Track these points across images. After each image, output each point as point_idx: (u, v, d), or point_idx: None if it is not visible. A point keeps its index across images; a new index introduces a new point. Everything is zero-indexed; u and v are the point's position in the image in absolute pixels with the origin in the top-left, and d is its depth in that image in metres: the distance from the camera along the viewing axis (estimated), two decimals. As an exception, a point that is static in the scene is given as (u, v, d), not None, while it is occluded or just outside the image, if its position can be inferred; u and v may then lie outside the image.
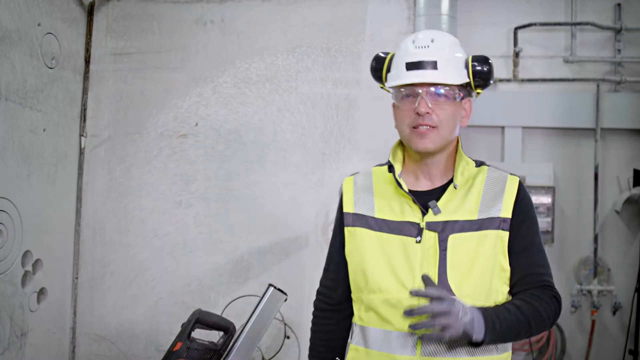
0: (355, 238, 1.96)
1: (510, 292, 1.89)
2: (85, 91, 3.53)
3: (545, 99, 5.47)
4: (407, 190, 1.89)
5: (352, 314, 2.02)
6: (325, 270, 2.14)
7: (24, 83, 3.00)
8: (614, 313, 5.27)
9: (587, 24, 5.46)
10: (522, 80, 5.53)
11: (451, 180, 1.91)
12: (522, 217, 1.89)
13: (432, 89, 1.83)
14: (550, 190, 5.12)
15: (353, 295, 2.00)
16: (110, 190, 3.51)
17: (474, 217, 1.86)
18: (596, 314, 5.23)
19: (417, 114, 1.82)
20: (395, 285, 1.84)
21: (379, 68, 1.97)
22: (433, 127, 1.83)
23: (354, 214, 1.99)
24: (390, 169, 1.96)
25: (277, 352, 3.25)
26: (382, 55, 1.99)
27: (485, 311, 1.73)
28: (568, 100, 5.44)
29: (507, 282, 1.88)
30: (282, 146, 3.33)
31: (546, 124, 5.47)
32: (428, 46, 1.86)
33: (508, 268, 1.87)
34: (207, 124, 3.42)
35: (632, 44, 5.48)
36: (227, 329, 2.51)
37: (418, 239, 1.85)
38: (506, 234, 1.86)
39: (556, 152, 5.47)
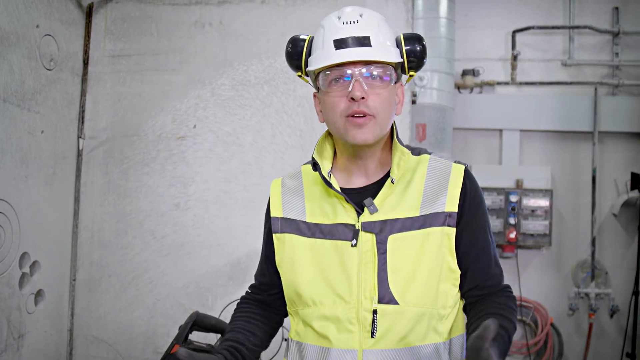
0: (285, 246, 1.74)
1: (463, 296, 1.72)
2: (83, 93, 3.53)
3: (543, 102, 5.47)
4: (338, 189, 1.67)
5: (281, 317, 1.92)
6: (257, 274, 1.94)
7: (22, 85, 3.00)
8: (611, 316, 5.27)
9: (585, 27, 5.47)
10: (520, 84, 5.54)
11: (388, 174, 1.68)
12: (471, 210, 1.67)
13: (366, 69, 1.58)
14: (548, 193, 5.12)
15: (288, 309, 1.81)
16: (108, 192, 3.51)
17: (416, 213, 1.64)
18: (594, 316, 5.23)
19: (352, 99, 1.57)
20: (331, 297, 1.64)
21: (298, 52, 1.70)
22: (370, 115, 1.59)
23: (283, 219, 1.77)
24: (315, 167, 1.75)
25: (275, 355, 3.25)
26: (297, 38, 1.71)
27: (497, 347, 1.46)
28: (566, 104, 5.45)
29: (456, 283, 1.68)
30: (280, 148, 3.32)
31: (544, 127, 5.48)
32: (357, 21, 1.61)
33: (457, 268, 1.67)
34: (205, 126, 3.42)
35: (630, 47, 5.48)
36: (224, 331, 2.50)
37: (353, 242, 1.63)
38: (452, 230, 1.64)
39: (554, 155, 5.47)
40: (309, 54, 1.69)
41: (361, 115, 1.59)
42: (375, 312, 1.60)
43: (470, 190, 1.68)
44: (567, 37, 5.53)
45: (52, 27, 3.22)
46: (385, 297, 1.60)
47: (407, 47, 1.65)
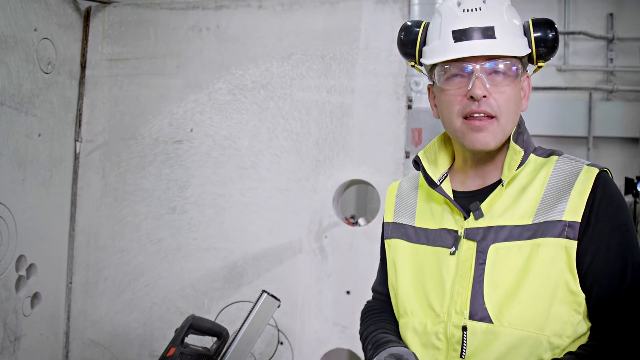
0: (392, 251, 1.66)
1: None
2: (80, 96, 3.53)
3: (539, 107, 5.51)
4: (447, 192, 1.54)
5: None
6: (375, 284, 1.85)
7: (20, 88, 3.01)
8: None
9: (579, 33, 5.51)
10: (516, 88, 5.57)
11: None
12: (601, 222, 1.39)
13: (489, 64, 1.42)
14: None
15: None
16: (104, 196, 3.51)
17: (528, 221, 1.42)
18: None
19: (471, 98, 1.42)
20: (423, 308, 1.52)
21: (412, 40, 1.54)
22: (492, 117, 1.43)
23: (393, 224, 1.68)
24: (417, 166, 1.63)
25: (271, 358, 3.26)
26: (411, 24, 1.56)
27: None
28: (561, 109, 5.49)
29: (580, 309, 1.40)
30: (277, 152, 3.34)
31: (539, 132, 5.51)
32: (480, 8, 1.43)
33: (579, 290, 1.39)
34: (202, 130, 3.43)
35: (624, 53, 5.53)
36: (220, 334, 2.51)
37: (452, 250, 1.49)
38: (573, 244, 1.38)
39: (549, 160, 5.50)
40: (423, 42, 1.54)
41: (482, 115, 1.43)
42: (465, 329, 1.43)
43: (601, 198, 1.40)
44: (562, 43, 5.57)
45: (50, 30, 3.23)
46: (478, 313, 1.43)
47: (537, 35, 1.47)
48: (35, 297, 3.21)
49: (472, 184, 1.56)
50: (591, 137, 5.41)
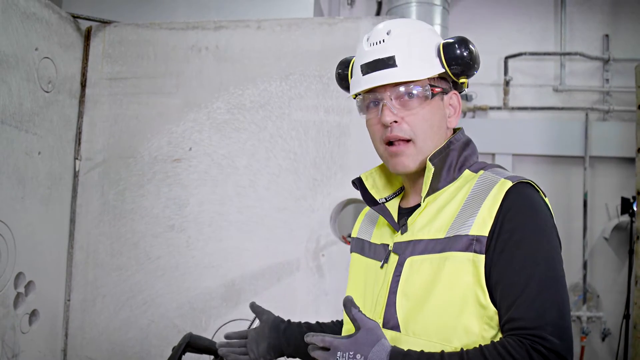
0: (351, 264, 1.79)
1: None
2: (80, 115, 3.56)
3: (535, 127, 5.55)
4: (387, 209, 1.64)
5: None
6: None
7: (20, 107, 3.04)
8: (603, 339, 5.31)
9: (576, 54, 5.56)
10: (513, 108, 5.62)
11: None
12: (507, 234, 1.40)
13: (392, 92, 1.51)
14: (539, 217, 5.16)
15: None
16: (103, 213, 3.53)
17: (441, 235, 1.47)
18: (585, 340, 5.26)
19: (384, 125, 1.53)
20: None
21: (345, 75, 1.69)
22: (407, 140, 1.52)
23: (356, 239, 1.80)
24: (355, 186, 1.73)
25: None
26: (345, 60, 1.71)
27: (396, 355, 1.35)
28: (557, 129, 5.53)
29: (492, 323, 1.41)
30: (275, 171, 3.36)
31: (536, 152, 5.55)
32: (383, 40, 1.52)
33: (489, 304, 1.40)
34: (201, 149, 3.45)
35: (620, 74, 5.58)
36: (217, 352, 2.52)
37: (382, 263, 1.59)
38: (480, 258, 1.40)
39: (546, 180, 5.53)
40: (352, 75, 1.66)
41: (397, 140, 1.52)
42: None
43: (508, 210, 1.41)
44: (559, 64, 5.63)
45: (50, 50, 3.26)
46: (390, 322, 1.50)
47: (447, 55, 1.53)
48: (33, 314, 3.21)
49: (412, 201, 1.64)
50: (588, 156, 5.45)
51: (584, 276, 5.36)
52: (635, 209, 4.64)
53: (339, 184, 3.28)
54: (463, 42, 1.53)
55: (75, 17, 3.50)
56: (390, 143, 1.55)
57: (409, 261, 1.50)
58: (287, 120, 3.37)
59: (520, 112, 5.63)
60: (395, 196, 1.71)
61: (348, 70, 1.68)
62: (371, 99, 1.56)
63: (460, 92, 1.65)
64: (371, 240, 1.71)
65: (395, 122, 1.51)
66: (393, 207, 1.65)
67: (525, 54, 5.56)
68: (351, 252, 1.81)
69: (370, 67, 1.53)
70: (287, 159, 3.36)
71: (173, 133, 3.50)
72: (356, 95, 1.64)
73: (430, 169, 1.51)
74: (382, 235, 1.67)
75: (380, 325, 1.49)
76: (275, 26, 3.43)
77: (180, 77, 3.52)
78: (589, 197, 5.47)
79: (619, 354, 5.03)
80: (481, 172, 1.55)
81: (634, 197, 4.78)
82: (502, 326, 1.39)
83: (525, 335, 1.32)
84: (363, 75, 1.55)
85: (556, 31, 5.67)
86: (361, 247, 1.74)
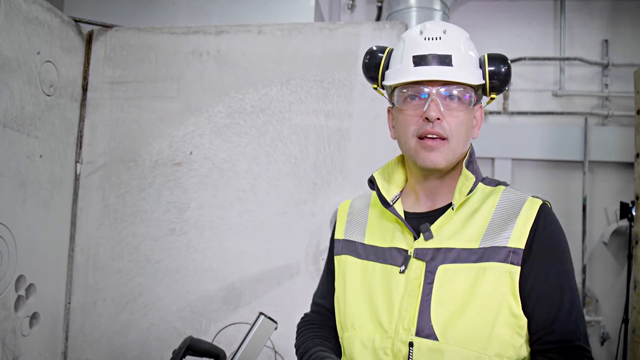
0: (341, 267, 1.72)
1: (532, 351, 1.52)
2: (81, 118, 3.57)
3: (535, 131, 5.56)
4: (399, 213, 1.61)
5: None
6: (316, 296, 1.93)
7: (22, 110, 3.05)
8: (602, 343, 5.31)
9: (575, 59, 5.58)
10: (512, 113, 5.63)
11: None
12: (542, 250, 1.49)
13: (444, 89, 1.51)
14: (538, 221, 5.17)
15: (339, 335, 1.72)
16: (104, 217, 3.54)
17: (475, 245, 1.50)
18: (584, 344, 5.26)
19: (426, 119, 1.51)
20: (372, 323, 1.56)
21: (376, 64, 1.66)
22: (443, 138, 1.52)
23: (344, 241, 1.75)
24: (372, 185, 1.71)
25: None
26: (376, 49, 1.70)
27: None
28: (557, 133, 5.54)
29: (522, 332, 1.49)
30: (275, 176, 3.37)
31: (535, 156, 5.56)
32: (440, 37, 1.54)
33: (521, 314, 1.47)
34: (202, 153, 3.47)
35: (620, 78, 5.59)
36: (217, 356, 2.53)
37: (402, 268, 1.54)
38: (516, 269, 1.46)
39: (545, 184, 5.55)
40: (386, 67, 1.65)
41: (434, 137, 1.51)
42: (411, 345, 1.48)
43: (543, 228, 1.51)
44: (558, 69, 5.64)
45: (52, 53, 3.27)
46: (425, 330, 1.48)
47: (491, 69, 1.57)
48: (34, 317, 3.22)
49: (423, 207, 1.64)
50: (587, 161, 5.45)
51: (583, 280, 5.37)
52: (634, 213, 4.65)
53: (339, 188, 3.29)
54: (505, 60, 1.59)
55: (77, 21, 3.51)
56: (423, 137, 1.55)
57: (441, 269, 1.50)
58: (287, 124, 3.38)
59: (520, 117, 5.64)
60: (397, 199, 1.71)
61: (381, 60, 1.66)
62: (415, 92, 1.54)
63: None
64: (365, 242, 1.68)
65: (438, 119, 1.51)
66: (399, 210, 1.64)
67: (524, 59, 5.57)
68: (338, 255, 1.75)
69: (425, 60, 1.52)
70: (288, 163, 3.37)
71: (174, 137, 3.51)
72: (390, 87, 1.62)
73: (470, 178, 1.56)
74: (385, 237, 1.64)
75: (413, 333, 1.49)
76: (276, 31, 3.44)
77: (181, 81, 3.53)
78: (588, 201, 5.48)
79: (617, 358, 5.04)
80: (501, 187, 1.61)
81: (632, 202, 4.79)
82: (541, 337, 1.48)
83: (569, 348, 1.47)
84: (415, 66, 1.53)
85: (555, 36, 5.68)
86: (353, 249, 1.70)
